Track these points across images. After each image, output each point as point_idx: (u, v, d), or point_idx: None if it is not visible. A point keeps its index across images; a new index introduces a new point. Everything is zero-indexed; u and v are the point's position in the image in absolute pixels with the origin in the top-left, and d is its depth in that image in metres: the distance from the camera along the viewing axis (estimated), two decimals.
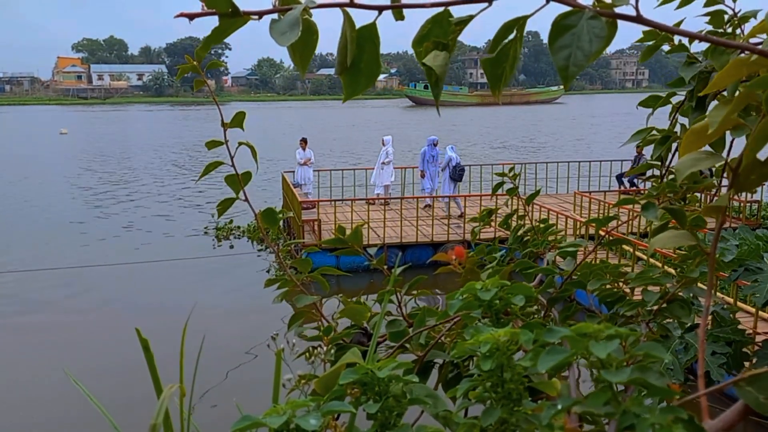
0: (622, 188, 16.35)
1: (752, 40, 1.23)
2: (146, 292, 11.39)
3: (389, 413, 1.03)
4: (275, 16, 0.83)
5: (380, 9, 0.84)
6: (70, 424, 6.77)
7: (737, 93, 1.07)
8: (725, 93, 1.52)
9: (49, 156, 31.74)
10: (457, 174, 14.40)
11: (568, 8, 0.80)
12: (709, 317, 3.39)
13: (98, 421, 1.64)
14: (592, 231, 9.44)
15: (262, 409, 0.98)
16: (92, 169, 27.12)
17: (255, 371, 7.64)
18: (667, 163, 1.89)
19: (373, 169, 16.13)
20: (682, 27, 1.20)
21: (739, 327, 3.76)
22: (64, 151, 34.31)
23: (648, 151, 1.88)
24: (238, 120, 1.65)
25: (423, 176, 15.13)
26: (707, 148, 1.00)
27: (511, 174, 2.26)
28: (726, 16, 1.81)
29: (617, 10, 0.80)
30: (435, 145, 15.13)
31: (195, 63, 1.48)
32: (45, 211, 18.32)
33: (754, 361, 4.23)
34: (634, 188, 15.73)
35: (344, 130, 45.98)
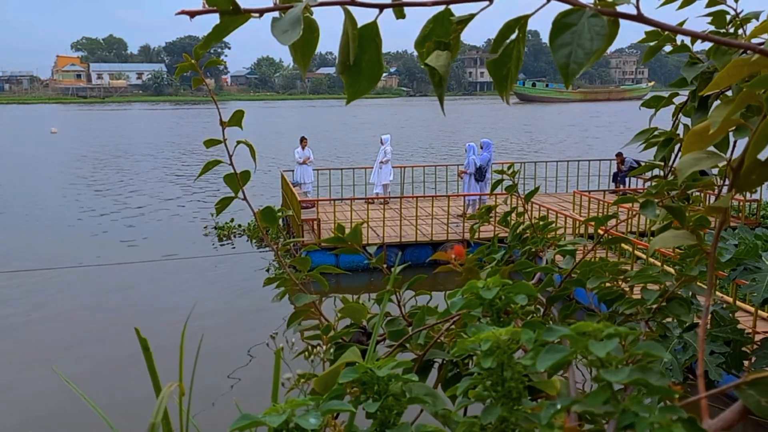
0: (621, 188, 16.34)
1: (754, 41, 1.23)
2: (145, 291, 11.38)
3: (389, 412, 1.03)
4: (276, 14, 0.82)
5: (381, 7, 0.84)
6: (69, 424, 6.77)
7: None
8: (729, 93, 1.52)
9: (34, 155, 31.66)
10: (478, 174, 14.39)
11: (568, 7, 0.80)
12: (709, 316, 3.38)
13: (96, 421, 1.64)
14: (591, 230, 9.44)
15: (261, 408, 0.98)
16: (77, 169, 27.09)
17: (254, 370, 7.65)
18: (670, 163, 1.89)
19: (372, 168, 16.13)
20: (684, 27, 1.20)
21: (738, 326, 3.77)
22: (51, 150, 34.26)
23: (631, 155, 1.89)
24: (237, 118, 1.65)
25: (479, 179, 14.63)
26: (711, 148, 1.00)
27: (510, 172, 2.26)
28: (728, 17, 1.81)
29: (618, 8, 0.80)
30: (481, 147, 14.78)
31: (193, 61, 1.48)
32: (33, 209, 18.32)
33: (752, 360, 4.23)
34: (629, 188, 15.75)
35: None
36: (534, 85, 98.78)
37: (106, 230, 15.91)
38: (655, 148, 1.89)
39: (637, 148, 1.96)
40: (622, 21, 0.82)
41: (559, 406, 0.86)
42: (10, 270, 12.22)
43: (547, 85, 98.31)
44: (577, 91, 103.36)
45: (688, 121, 1.87)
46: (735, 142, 1.38)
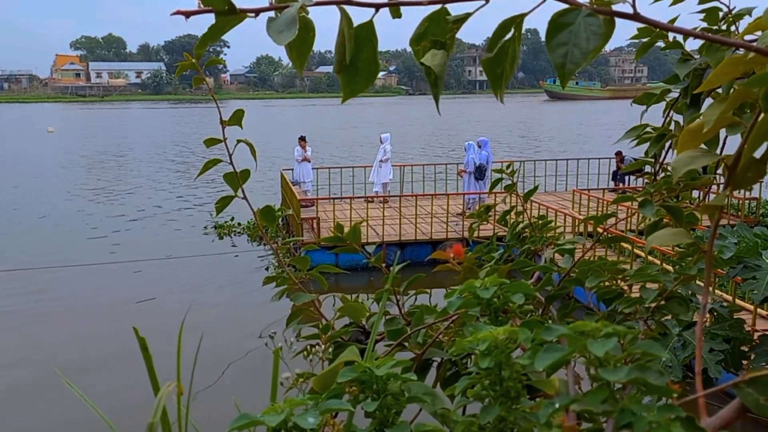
0: (620, 186, 16.33)
1: (747, 38, 1.23)
2: (143, 290, 11.37)
3: (387, 411, 1.03)
4: (272, 14, 0.82)
5: (377, 6, 0.84)
6: (69, 423, 6.76)
7: (732, 91, 1.07)
8: (720, 90, 1.52)
9: (31, 155, 31.63)
10: (478, 173, 14.37)
11: (565, 6, 0.80)
12: (708, 315, 3.40)
13: (95, 421, 1.64)
14: (591, 229, 9.44)
15: (260, 408, 0.98)
16: (73, 168, 27.07)
17: (253, 370, 7.64)
18: (661, 160, 1.89)
19: (372, 166, 16.13)
20: (677, 24, 1.20)
21: (738, 324, 3.77)
22: (47, 149, 34.24)
23: (630, 153, 1.90)
24: (237, 117, 1.65)
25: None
26: (702, 145, 1.00)
27: (509, 171, 2.26)
28: (720, 14, 1.81)
29: (614, 7, 0.80)
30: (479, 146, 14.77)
31: (193, 60, 1.48)
32: (31, 209, 18.31)
33: (752, 357, 4.24)
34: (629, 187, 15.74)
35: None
36: None
37: (103, 229, 15.88)
38: (647, 145, 1.89)
39: (639, 148, 1.96)
40: (619, 20, 0.82)
41: (557, 405, 0.87)
42: (6, 269, 12.21)
43: (576, 83, 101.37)
44: (606, 89, 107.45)
45: (679, 118, 1.87)
46: (726, 139, 1.38)
